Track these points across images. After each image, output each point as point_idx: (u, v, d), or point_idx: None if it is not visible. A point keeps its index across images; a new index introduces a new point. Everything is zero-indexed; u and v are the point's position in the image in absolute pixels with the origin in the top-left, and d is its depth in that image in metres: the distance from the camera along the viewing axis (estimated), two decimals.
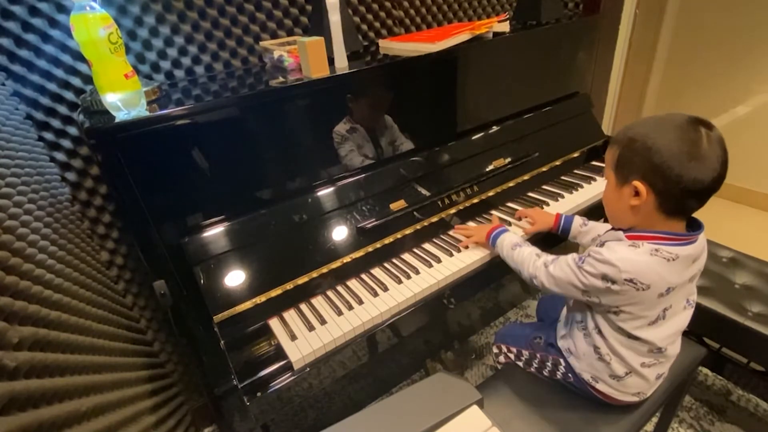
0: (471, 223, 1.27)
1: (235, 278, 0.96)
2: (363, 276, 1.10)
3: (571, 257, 0.84)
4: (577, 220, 1.14)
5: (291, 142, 1.05)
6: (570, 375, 0.95)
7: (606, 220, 0.95)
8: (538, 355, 1.02)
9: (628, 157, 0.74)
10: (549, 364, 0.99)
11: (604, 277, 0.76)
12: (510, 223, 1.25)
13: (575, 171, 1.52)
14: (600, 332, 0.85)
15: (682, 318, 0.85)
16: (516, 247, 1.00)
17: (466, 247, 1.16)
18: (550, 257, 0.91)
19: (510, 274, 1.08)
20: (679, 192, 0.71)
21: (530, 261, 0.94)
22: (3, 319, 0.57)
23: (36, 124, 1.01)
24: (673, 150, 0.69)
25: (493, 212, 1.32)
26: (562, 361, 0.96)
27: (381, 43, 1.32)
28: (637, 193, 0.74)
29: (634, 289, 0.74)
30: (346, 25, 1.09)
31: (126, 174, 0.86)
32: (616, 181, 0.78)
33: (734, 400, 1.46)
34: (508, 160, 1.38)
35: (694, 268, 0.80)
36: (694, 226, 0.79)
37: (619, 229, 0.83)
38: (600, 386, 0.89)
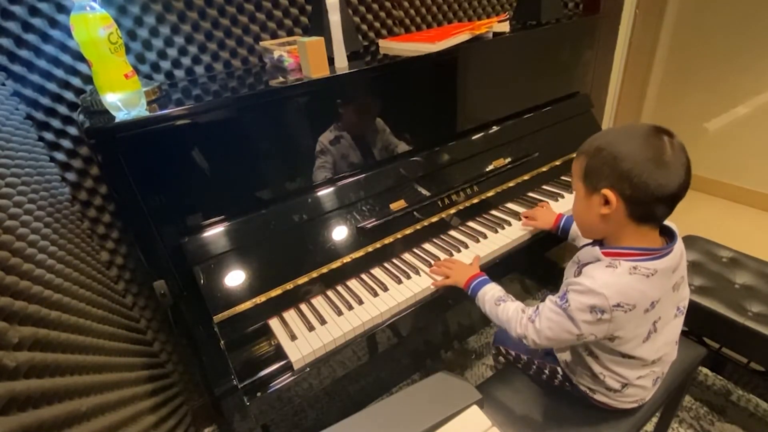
0: (472, 224, 1.27)
1: (235, 278, 0.96)
2: (363, 276, 1.10)
3: (550, 302, 0.80)
4: None
5: (291, 142, 1.05)
6: (567, 384, 0.95)
7: None
8: (536, 362, 1.01)
9: (596, 167, 0.74)
10: (547, 371, 0.99)
11: (593, 309, 0.73)
12: (510, 223, 1.25)
13: None
14: (591, 354, 0.85)
15: (674, 326, 0.84)
16: (500, 302, 0.91)
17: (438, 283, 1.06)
18: (530, 310, 0.85)
19: (510, 275, 1.07)
20: (647, 198, 0.71)
21: (517, 319, 0.85)
22: (3, 319, 0.57)
23: (36, 124, 1.01)
24: (638, 156, 0.70)
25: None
26: (559, 370, 0.96)
27: (381, 43, 1.32)
28: (606, 202, 0.74)
29: (622, 313, 0.73)
30: (346, 25, 1.09)
31: (126, 174, 0.86)
32: (585, 190, 0.78)
33: (734, 400, 1.46)
34: (508, 160, 1.38)
35: (676, 277, 0.79)
36: (668, 236, 0.79)
37: (595, 244, 0.82)
38: (597, 396, 0.89)
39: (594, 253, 0.80)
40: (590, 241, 0.86)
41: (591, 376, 0.87)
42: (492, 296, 0.94)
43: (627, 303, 0.73)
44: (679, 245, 0.79)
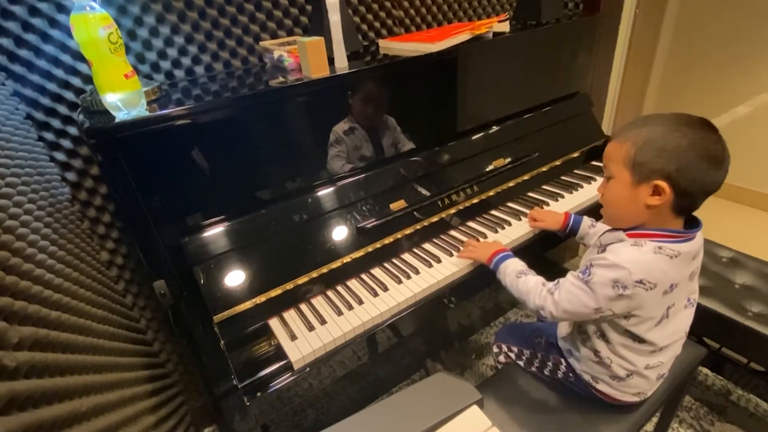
0: (472, 224, 1.27)
1: (235, 278, 0.96)
2: (363, 276, 1.10)
3: (572, 276, 0.82)
4: (586, 221, 1.13)
5: (291, 142, 1.05)
6: (571, 375, 0.95)
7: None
8: (538, 355, 1.02)
9: (651, 157, 0.73)
10: (550, 363, 0.99)
11: (615, 283, 0.74)
12: (510, 223, 1.25)
13: (575, 171, 1.52)
14: (602, 336, 0.85)
15: (684, 316, 0.85)
16: (521, 275, 0.93)
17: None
18: (550, 284, 0.86)
19: None
20: (698, 192, 0.73)
21: (536, 291, 0.87)
22: (3, 319, 0.57)
23: (36, 124, 1.01)
24: (698, 152, 0.70)
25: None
26: (562, 361, 0.96)
27: (381, 43, 1.32)
28: (656, 192, 0.74)
29: (643, 290, 0.74)
30: (346, 25, 1.09)
31: (126, 174, 0.86)
32: (632, 179, 0.76)
33: (734, 400, 1.46)
34: (508, 160, 1.38)
35: (694, 265, 0.80)
36: (692, 223, 0.80)
37: (617, 229, 0.82)
38: (600, 386, 0.90)
39: (617, 235, 0.80)
40: (607, 228, 0.87)
41: (597, 362, 0.87)
42: (513, 269, 0.95)
43: (649, 281, 0.73)
44: (701, 234, 0.80)
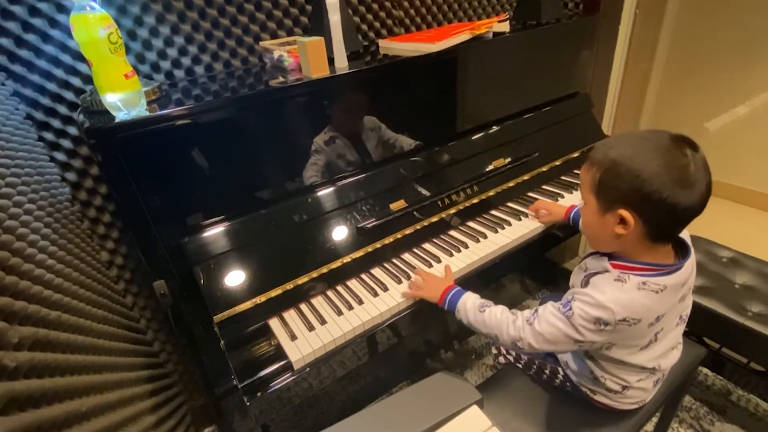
0: (472, 224, 1.27)
1: (235, 278, 0.96)
2: (363, 276, 1.10)
3: (552, 307, 0.78)
4: None
5: (291, 141, 1.05)
6: (568, 384, 0.95)
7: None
8: (536, 362, 1.01)
9: (613, 183, 0.69)
10: (547, 371, 0.99)
11: (597, 321, 0.71)
12: (510, 223, 1.25)
13: (575, 171, 1.52)
14: (591, 358, 0.85)
15: (675, 334, 0.84)
16: (484, 307, 0.88)
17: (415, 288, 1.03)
18: (526, 313, 0.81)
19: (510, 275, 1.07)
20: (669, 220, 0.69)
21: (508, 322, 0.82)
22: (3, 319, 0.57)
23: (36, 124, 1.01)
24: (663, 178, 0.65)
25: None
26: (560, 370, 0.96)
27: (381, 43, 1.32)
28: (622, 222, 0.70)
29: (627, 326, 0.72)
30: (346, 25, 1.09)
31: (126, 174, 0.86)
32: (598, 207, 0.73)
33: (734, 400, 1.46)
34: (508, 160, 1.38)
35: (683, 290, 0.77)
36: (681, 250, 0.77)
37: (604, 254, 0.79)
38: (598, 397, 0.89)
39: (602, 263, 0.77)
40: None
41: (592, 379, 0.87)
42: (474, 304, 0.90)
43: (633, 318, 0.71)
44: (691, 260, 0.76)
